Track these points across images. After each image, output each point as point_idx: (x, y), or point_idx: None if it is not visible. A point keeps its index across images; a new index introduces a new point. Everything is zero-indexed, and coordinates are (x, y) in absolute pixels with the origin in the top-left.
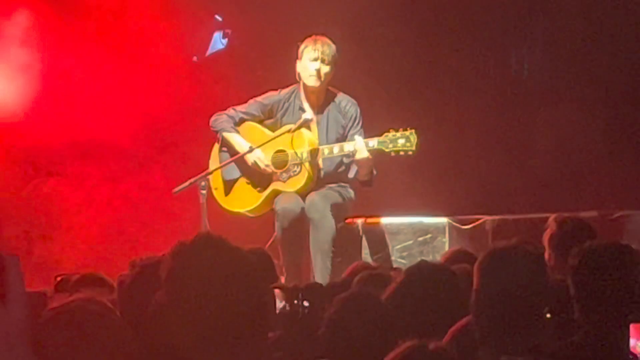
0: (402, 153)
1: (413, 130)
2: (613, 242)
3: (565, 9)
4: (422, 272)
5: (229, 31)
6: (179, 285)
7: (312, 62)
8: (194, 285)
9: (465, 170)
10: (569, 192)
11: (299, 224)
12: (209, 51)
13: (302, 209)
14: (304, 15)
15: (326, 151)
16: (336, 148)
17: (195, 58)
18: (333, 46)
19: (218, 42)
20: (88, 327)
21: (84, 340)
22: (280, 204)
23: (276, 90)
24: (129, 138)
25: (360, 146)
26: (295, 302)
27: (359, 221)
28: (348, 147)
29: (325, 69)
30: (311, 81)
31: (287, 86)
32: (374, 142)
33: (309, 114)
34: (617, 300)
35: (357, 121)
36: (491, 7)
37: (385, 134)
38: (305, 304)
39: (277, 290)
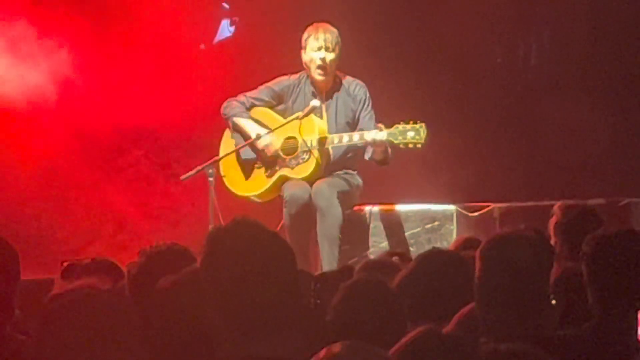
0: (410, 146)
1: (423, 124)
2: (628, 230)
3: (571, 8)
4: (432, 259)
5: (236, 19)
6: (216, 269)
7: (316, 52)
8: (231, 269)
9: (473, 157)
10: (576, 179)
11: (307, 211)
12: (217, 39)
13: (310, 196)
14: (311, 2)
15: (335, 140)
16: (346, 137)
17: (202, 46)
18: (335, 31)
19: (225, 29)
20: (92, 313)
21: (87, 325)
22: (288, 191)
23: (286, 75)
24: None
25: (370, 138)
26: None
27: (367, 208)
28: (357, 137)
29: (330, 56)
30: (318, 75)
31: (297, 71)
32: (383, 134)
33: (316, 101)
34: (632, 287)
35: (366, 103)
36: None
37: (395, 125)
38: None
39: None
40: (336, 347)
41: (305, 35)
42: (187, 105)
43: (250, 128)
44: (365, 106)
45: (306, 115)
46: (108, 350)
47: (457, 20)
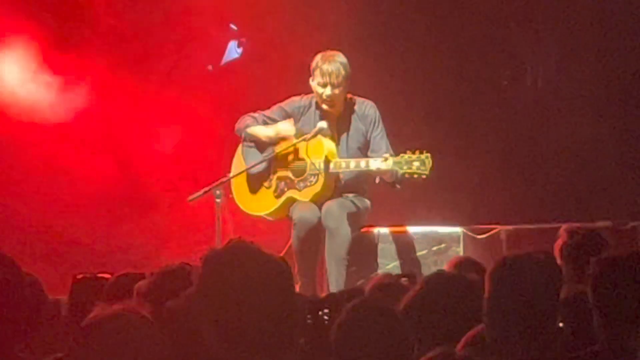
0: (415, 176)
1: (428, 155)
2: (633, 252)
3: (580, 21)
4: (439, 281)
5: (244, 40)
6: (211, 291)
7: (322, 87)
8: (225, 291)
9: (480, 180)
10: (583, 202)
11: (315, 234)
12: (224, 60)
13: (319, 218)
14: (319, 25)
15: (343, 164)
16: (352, 163)
17: (210, 67)
18: (343, 62)
19: (233, 51)
20: (128, 339)
21: (123, 351)
22: (297, 213)
23: (299, 95)
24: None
25: (375, 167)
26: (320, 313)
27: (375, 230)
28: (363, 164)
29: (337, 91)
30: (325, 106)
31: (310, 93)
32: (389, 163)
33: (324, 122)
34: (637, 310)
35: (377, 122)
36: (505, 19)
37: (401, 154)
38: (326, 317)
39: None
40: None
41: (313, 65)
42: (194, 126)
43: (265, 132)
44: (376, 126)
45: (313, 136)
46: None
47: (463, 44)
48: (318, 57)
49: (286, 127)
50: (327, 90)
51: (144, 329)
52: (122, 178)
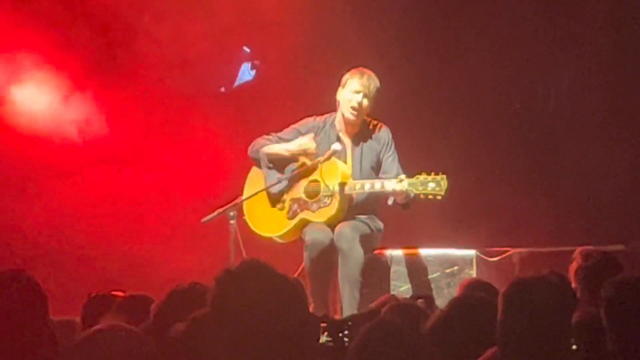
0: (430, 197)
1: (444, 176)
2: None
3: (591, 42)
4: (465, 304)
5: (257, 62)
6: (224, 311)
7: (355, 94)
8: (239, 311)
9: (493, 203)
10: (596, 225)
11: (328, 255)
12: (237, 82)
13: (331, 240)
14: (332, 49)
15: (357, 186)
16: (367, 185)
17: (222, 89)
18: (377, 81)
19: (246, 73)
20: (116, 355)
21: None
22: (309, 235)
23: (312, 116)
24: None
25: (390, 188)
26: (340, 335)
27: (388, 252)
28: (378, 185)
29: (366, 102)
30: (350, 114)
31: (323, 114)
32: (404, 184)
33: (338, 144)
34: None
35: (389, 145)
36: (517, 41)
37: (417, 175)
38: (346, 338)
39: (321, 325)
40: None
41: (347, 76)
42: (209, 147)
43: (285, 146)
44: (388, 148)
45: (327, 159)
46: None
47: (475, 67)
48: (356, 70)
49: (307, 141)
50: (359, 97)
51: (131, 344)
52: (137, 197)
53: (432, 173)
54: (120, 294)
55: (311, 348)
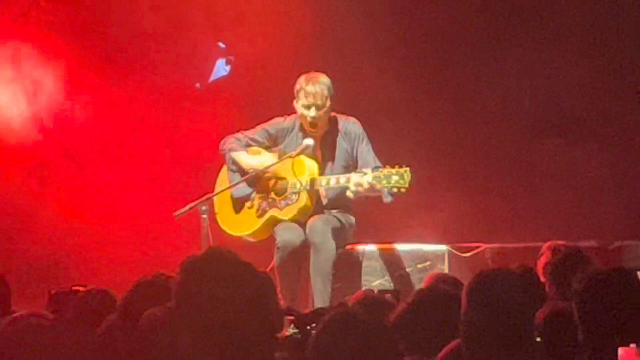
0: (394, 190)
1: (407, 168)
2: (618, 268)
3: (567, 41)
4: (429, 296)
5: (232, 58)
6: (189, 299)
7: (306, 109)
8: (203, 299)
9: (465, 198)
10: (569, 221)
11: (299, 256)
12: (212, 78)
13: (303, 241)
14: (305, 42)
15: (324, 182)
16: (333, 180)
17: (197, 84)
18: (326, 82)
19: (221, 69)
20: (30, 344)
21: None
22: (280, 236)
23: (282, 117)
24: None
25: (355, 181)
26: (308, 328)
27: (360, 247)
28: (343, 179)
29: (321, 113)
30: (309, 128)
31: (293, 113)
32: (368, 177)
33: (310, 140)
34: (622, 325)
35: (361, 138)
36: (493, 39)
37: (380, 169)
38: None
39: (289, 317)
40: None
41: (297, 86)
42: (181, 143)
43: (246, 161)
44: (361, 141)
45: (299, 153)
46: None
47: (452, 64)
48: (302, 79)
49: (269, 162)
50: (312, 112)
51: (45, 336)
52: (108, 191)
53: (396, 166)
54: (81, 288)
55: (274, 337)
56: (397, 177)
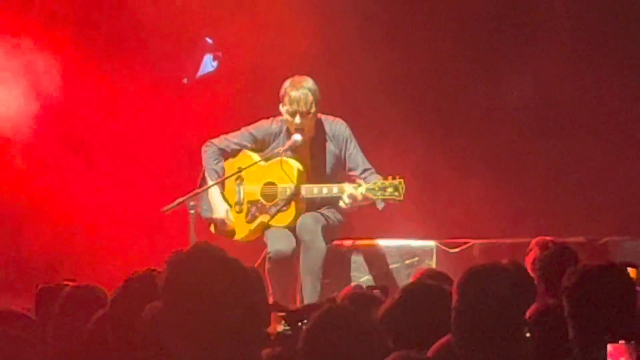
0: (390, 202)
1: (402, 180)
2: (609, 264)
3: (556, 37)
4: (417, 291)
5: (219, 54)
6: (175, 294)
7: (290, 116)
8: (190, 294)
9: (454, 194)
10: (557, 217)
11: (290, 262)
12: (199, 73)
13: (294, 249)
14: (295, 40)
15: (315, 190)
16: (325, 189)
17: (185, 80)
18: (310, 87)
19: (208, 64)
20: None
21: None
22: (272, 245)
23: (268, 119)
24: (119, 156)
25: (349, 193)
26: (299, 324)
27: (348, 243)
28: (336, 190)
29: (305, 120)
30: (296, 133)
31: (279, 115)
32: (362, 189)
33: (298, 135)
34: (612, 321)
35: (349, 141)
36: (482, 35)
37: (374, 181)
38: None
39: (280, 314)
40: None
41: (282, 91)
42: (169, 137)
43: (213, 195)
44: (349, 144)
45: (288, 149)
46: None
47: (439, 61)
48: (287, 84)
49: (225, 215)
50: (297, 119)
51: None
52: (97, 186)
53: (389, 177)
54: (69, 283)
55: (261, 332)
56: (392, 189)
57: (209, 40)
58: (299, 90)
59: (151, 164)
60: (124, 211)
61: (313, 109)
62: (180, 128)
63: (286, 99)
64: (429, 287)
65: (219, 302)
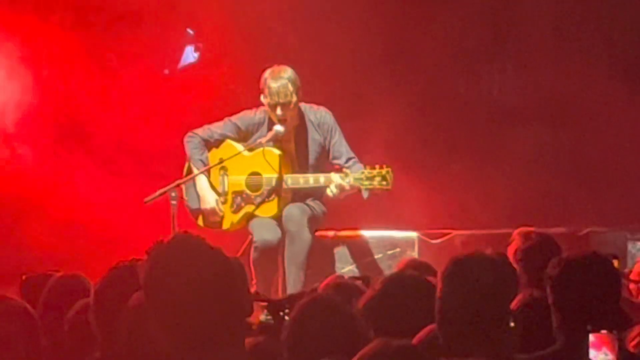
0: (377, 191)
1: (389, 169)
2: (592, 253)
3: (534, 28)
4: (398, 281)
5: (200, 45)
6: (157, 285)
7: (272, 108)
8: (171, 285)
9: (435, 185)
10: (538, 208)
11: (276, 252)
12: (181, 64)
13: (279, 238)
14: (275, 29)
15: (301, 180)
16: (311, 179)
17: (166, 71)
18: (290, 76)
19: (190, 55)
20: None
21: None
22: (259, 235)
23: (251, 109)
24: (103, 146)
25: (337, 183)
26: (281, 314)
27: (331, 234)
28: (322, 179)
29: (286, 110)
30: (279, 128)
31: (262, 105)
32: (349, 179)
33: (280, 126)
34: (596, 310)
35: (334, 130)
36: (462, 27)
37: (362, 170)
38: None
39: (262, 304)
40: None
41: (262, 81)
42: (151, 128)
43: (200, 183)
44: (334, 133)
45: (269, 140)
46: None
47: (420, 51)
48: (266, 74)
49: (212, 205)
50: (278, 111)
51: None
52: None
53: (377, 166)
54: (54, 273)
55: (243, 321)
56: (380, 179)
57: (190, 32)
58: (278, 82)
59: (135, 155)
60: (109, 201)
61: (294, 99)
62: (163, 119)
63: (267, 91)
64: (409, 277)
65: (201, 292)
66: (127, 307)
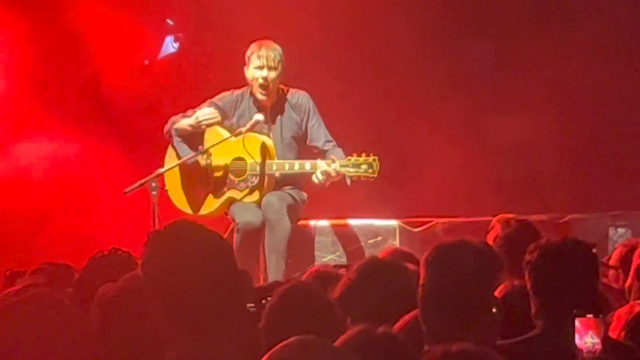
0: (363, 178)
1: (376, 157)
2: (571, 239)
3: (516, 12)
4: (374, 267)
5: (180, 35)
6: (156, 270)
7: (258, 70)
8: (171, 269)
9: (416, 173)
10: (520, 196)
11: (259, 235)
12: (161, 55)
13: (262, 222)
14: (256, 20)
15: (286, 166)
16: (297, 165)
17: (146, 61)
18: (278, 49)
19: (169, 45)
20: (39, 313)
21: (34, 326)
22: (241, 217)
23: (229, 90)
24: (84, 135)
25: (323, 170)
26: (263, 302)
27: (312, 223)
28: (308, 166)
29: (272, 74)
30: (260, 94)
31: (241, 87)
32: (335, 166)
33: (260, 115)
34: (575, 295)
35: (311, 112)
36: (443, 10)
37: (348, 157)
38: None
39: None
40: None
41: (248, 52)
42: (131, 119)
43: (187, 121)
44: (311, 115)
45: (249, 129)
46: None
47: (400, 35)
48: (253, 45)
49: (206, 112)
50: (264, 72)
51: (54, 305)
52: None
53: (363, 154)
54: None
55: (245, 300)
56: (366, 167)
57: (170, 22)
58: (268, 49)
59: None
60: (93, 192)
61: (280, 68)
62: (139, 109)
63: (254, 57)
64: (383, 263)
65: (202, 273)
66: (121, 288)
